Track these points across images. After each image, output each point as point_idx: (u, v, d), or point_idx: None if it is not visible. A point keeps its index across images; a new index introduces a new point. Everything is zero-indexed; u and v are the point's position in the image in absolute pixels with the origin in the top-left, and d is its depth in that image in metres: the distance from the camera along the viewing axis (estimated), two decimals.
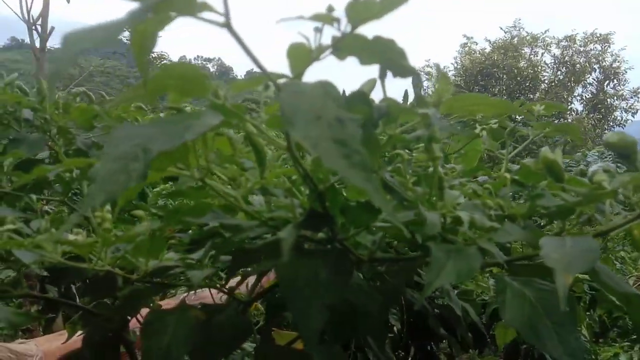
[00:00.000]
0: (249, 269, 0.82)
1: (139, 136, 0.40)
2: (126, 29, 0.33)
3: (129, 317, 0.94)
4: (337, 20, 0.40)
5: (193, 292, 1.03)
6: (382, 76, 0.51)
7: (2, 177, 1.05)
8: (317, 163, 0.52)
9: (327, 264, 0.54)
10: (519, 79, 19.40)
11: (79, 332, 1.08)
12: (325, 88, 0.38)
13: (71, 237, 0.70)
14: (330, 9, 0.40)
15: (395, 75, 0.44)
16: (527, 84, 19.77)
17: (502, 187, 0.65)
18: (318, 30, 0.44)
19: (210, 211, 0.57)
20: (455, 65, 19.88)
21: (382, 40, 0.41)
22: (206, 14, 0.36)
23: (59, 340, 1.48)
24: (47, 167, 0.69)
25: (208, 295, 1.17)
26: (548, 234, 0.56)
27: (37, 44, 11.52)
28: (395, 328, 1.77)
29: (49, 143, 1.27)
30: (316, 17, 0.40)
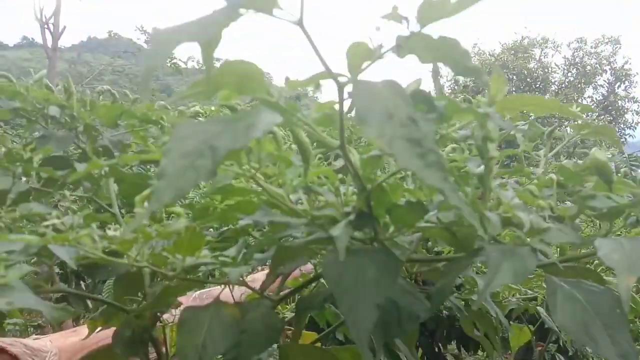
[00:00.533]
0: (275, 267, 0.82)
1: (202, 133, 0.40)
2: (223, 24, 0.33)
3: (160, 314, 0.94)
4: (406, 19, 0.40)
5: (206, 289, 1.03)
6: (436, 75, 0.51)
7: (32, 172, 1.06)
8: (365, 162, 0.52)
9: (373, 263, 0.54)
10: (529, 80, 19.32)
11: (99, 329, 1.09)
12: (394, 87, 0.38)
13: (110, 233, 0.70)
14: (396, 7, 0.39)
15: (458, 74, 0.44)
16: (537, 85, 19.68)
17: (544, 188, 0.65)
18: (378, 29, 0.44)
19: (261, 208, 0.57)
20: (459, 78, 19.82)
21: (447, 40, 0.41)
22: (279, 12, 0.36)
23: (73, 337, 1.49)
24: (110, 162, 0.68)
25: (217, 294, 1.17)
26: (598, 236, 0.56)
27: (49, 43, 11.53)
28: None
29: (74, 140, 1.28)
30: (386, 16, 0.40)
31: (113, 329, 1.16)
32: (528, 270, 0.48)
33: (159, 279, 1.00)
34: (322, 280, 0.96)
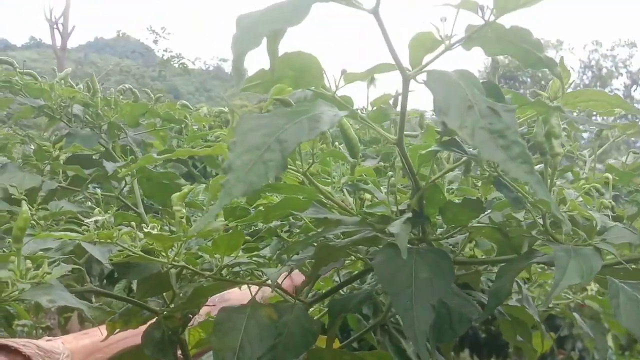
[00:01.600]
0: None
1: (266, 127, 0.39)
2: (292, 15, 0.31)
3: (191, 315, 0.93)
4: (481, 8, 0.38)
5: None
6: (495, 71, 0.49)
7: (59, 169, 1.05)
8: (421, 158, 0.50)
9: (427, 263, 0.53)
10: (543, 82, 19.21)
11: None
12: (469, 77, 0.37)
13: (148, 231, 0.69)
14: None
15: (527, 66, 0.42)
16: None
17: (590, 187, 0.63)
18: (443, 20, 0.42)
19: (312, 205, 0.56)
20: (479, 69, 19.65)
21: (519, 30, 0.39)
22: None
23: (85, 339, 1.47)
24: (154, 157, 0.67)
25: (232, 297, 1.16)
26: None
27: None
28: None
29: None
30: (462, 5, 0.38)
31: (129, 330, 1.15)
32: (594, 271, 0.46)
33: (188, 279, 0.99)
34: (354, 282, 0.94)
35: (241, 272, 0.90)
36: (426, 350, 0.48)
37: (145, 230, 0.61)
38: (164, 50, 16.16)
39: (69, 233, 0.62)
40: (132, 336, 1.51)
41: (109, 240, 0.61)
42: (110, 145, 1.28)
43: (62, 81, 1.23)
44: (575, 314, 1.05)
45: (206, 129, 1.46)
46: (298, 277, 1.26)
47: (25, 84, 1.19)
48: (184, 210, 0.71)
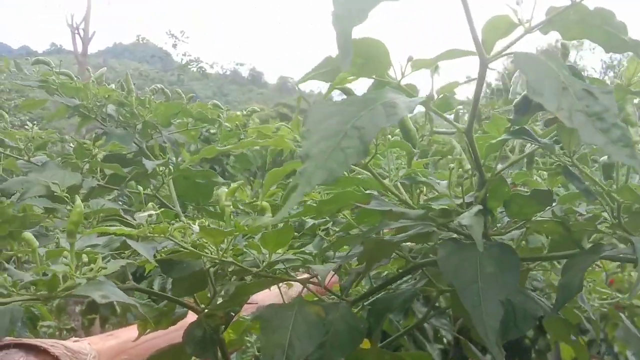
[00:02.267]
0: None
1: (340, 114, 0.38)
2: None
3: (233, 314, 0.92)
4: None
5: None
6: (565, 57, 0.47)
7: (97, 168, 1.05)
8: (489, 149, 0.49)
9: (492, 258, 0.51)
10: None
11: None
12: (555, 59, 0.35)
13: (194, 227, 0.68)
14: None
15: (609, 50, 0.40)
16: None
17: None
18: (520, 2, 0.40)
19: (374, 198, 0.55)
20: (498, 69, 19.45)
21: (603, 12, 0.38)
22: None
23: (111, 340, 1.48)
24: (217, 148, 0.66)
25: (260, 298, 1.15)
26: None
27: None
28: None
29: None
30: None
31: (155, 332, 1.15)
32: None
33: (227, 278, 0.98)
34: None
35: (278, 270, 0.89)
36: (497, 347, 0.47)
37: (199, 225, 0.60)
38: (182, 55, 16.33)
39: (124, 228, 0.61)
40: (157, 337, 1.51)
41: (162, 236, 0.60)
42: (144, 144, 1.28)
43: (98, 80, 1.23)
44: (622, 315, 1.02)
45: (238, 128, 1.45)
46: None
47: (61, 83, 1.20)
48: (229, 208, 0.71)
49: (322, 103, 0.40)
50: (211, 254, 0.66)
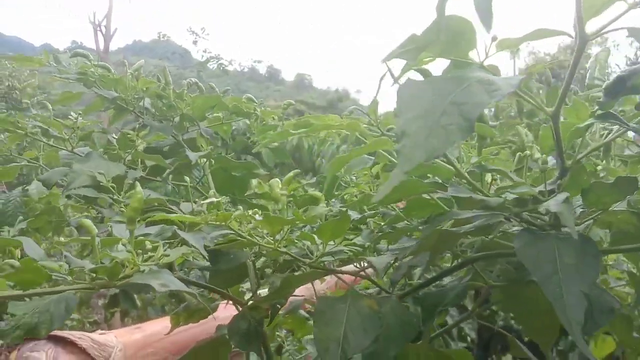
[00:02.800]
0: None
1: (433, 92, 0.36)
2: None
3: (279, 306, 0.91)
4: None
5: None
6: None
7: (138, 159, 1.04)
8: (575, 133, 0.47)
9: (571, 248, 0.49)
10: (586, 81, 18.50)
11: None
12: None
13: (257, 216, 0.66)
14: None
15: None
16: None
17: None
18: None
19: (451, 185, 0.53)
20: (519, 67, 19.02)
21: None
22: None
23: (137, 334, 1.48)
24: (291, 132, 0.65)
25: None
26: None
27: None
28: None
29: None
30: None
31: (181, 326, 1.15)
32: None
33: (270, 269, 0.97)
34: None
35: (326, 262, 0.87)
36: (582, 340, 0.44)
37: (260, 213, 0.59)
38: (203, 51, 16.40)
39: (186, 215, 0.60)
40: (180, 332, 1.50)
41: (222, 224, 0.59)
42: (180, 137, 1.28)
43: (136, 73, 1.23)
44: None
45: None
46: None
47: (100, 75, 1.19)
48: (284, 198, 0.69)
49: (409, 82, 0.38)
50: (267, 244, 0.65)
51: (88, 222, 0.56)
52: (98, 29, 12.36)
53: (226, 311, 1.02)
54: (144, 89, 1.19)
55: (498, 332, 1.63)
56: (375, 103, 0.49)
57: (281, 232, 0.64)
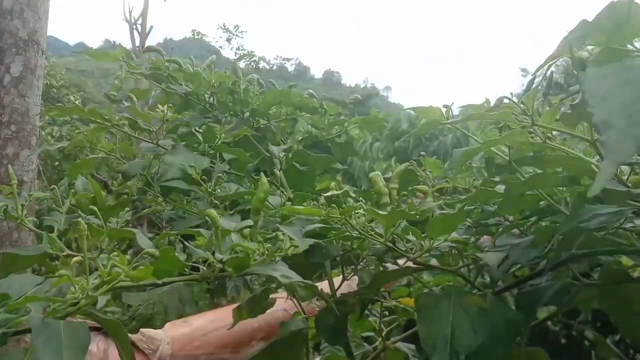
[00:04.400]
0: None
1: (627, 81, 0.35)
2: None
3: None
4: None
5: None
6: None
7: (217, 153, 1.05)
8: None
9: None
10: None
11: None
12: None
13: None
14: None
15: None
16: None
17: None
18: None
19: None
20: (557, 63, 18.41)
21: None
22: None
23: (184, 327, 1.50)
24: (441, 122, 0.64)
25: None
26: None
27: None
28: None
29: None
30: None
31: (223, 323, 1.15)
32: None
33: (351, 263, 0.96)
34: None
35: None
36: None
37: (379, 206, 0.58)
38: (236, 49, 16.56)
39: (312, 208, 0.60)
40: (225, 326, 1.50)
41: (342, 217, 0.58)
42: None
43: (209, 68, 1.24)
44: None
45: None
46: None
47: (177, 70, 1.20)
48: (385, 189, 0.68)
49: (593, 72, 0.36)
50: (378, 238, 0.64)
51: (213, 214, 0.56)
52: (134, 27, 12.61)
53: None
54: (217, 84, 1.20)
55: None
56: (534, 91, 0.48)
57: (395, 225, 0.63)
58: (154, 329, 0.64)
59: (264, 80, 1.38)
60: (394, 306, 1.46)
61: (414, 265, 0.78)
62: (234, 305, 1.10)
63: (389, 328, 1.38)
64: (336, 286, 0.95)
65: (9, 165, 0.83)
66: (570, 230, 0.56)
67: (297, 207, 0.61)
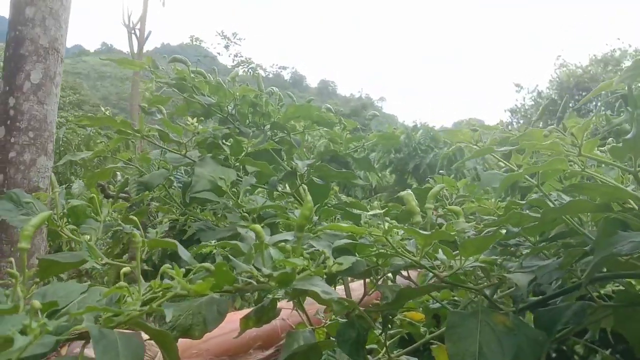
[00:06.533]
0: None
1: None
2: None
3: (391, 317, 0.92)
4: None
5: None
6: None
7: (242, 165, 1.07)
8: None
9: None
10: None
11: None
12: None
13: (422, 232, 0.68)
14: None
15: None
16: None
17: None
18: None
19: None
20: (551, 78, 18.52)
21: None
22: None
23: None
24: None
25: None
26: None
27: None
28: None
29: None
30: None
31: (223, 330, 1.16)
32: None
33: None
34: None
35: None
36: None
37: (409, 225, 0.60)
38: (234, 56, 16.59)
39: (355, 226, 0.62)
40: (223, 334, 1.51)
41: (381, 236, 0.61)
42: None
43: (231, 81, 1.26)
44: None
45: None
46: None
47: (200, 81, 1.22)
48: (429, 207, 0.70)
49: None
50: (412, 256, 0.66)
51: (258, 228, 0.58)
52: (132, 31, 12.55)
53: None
54: (241, 96, 1.22)
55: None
56: (587, 125, 0.50)
57: (430, 244, 0.66)
58: (193, 339, 0.65)
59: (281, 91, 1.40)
60: (400, 320, 1.47)
61: (451, 283, 0.80)
62: (232, 313, 1.11)
63: (391, 340, 1.39)
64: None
65: (52, 174, 0.84)
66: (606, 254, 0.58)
67: (342, 224, 0.63)
